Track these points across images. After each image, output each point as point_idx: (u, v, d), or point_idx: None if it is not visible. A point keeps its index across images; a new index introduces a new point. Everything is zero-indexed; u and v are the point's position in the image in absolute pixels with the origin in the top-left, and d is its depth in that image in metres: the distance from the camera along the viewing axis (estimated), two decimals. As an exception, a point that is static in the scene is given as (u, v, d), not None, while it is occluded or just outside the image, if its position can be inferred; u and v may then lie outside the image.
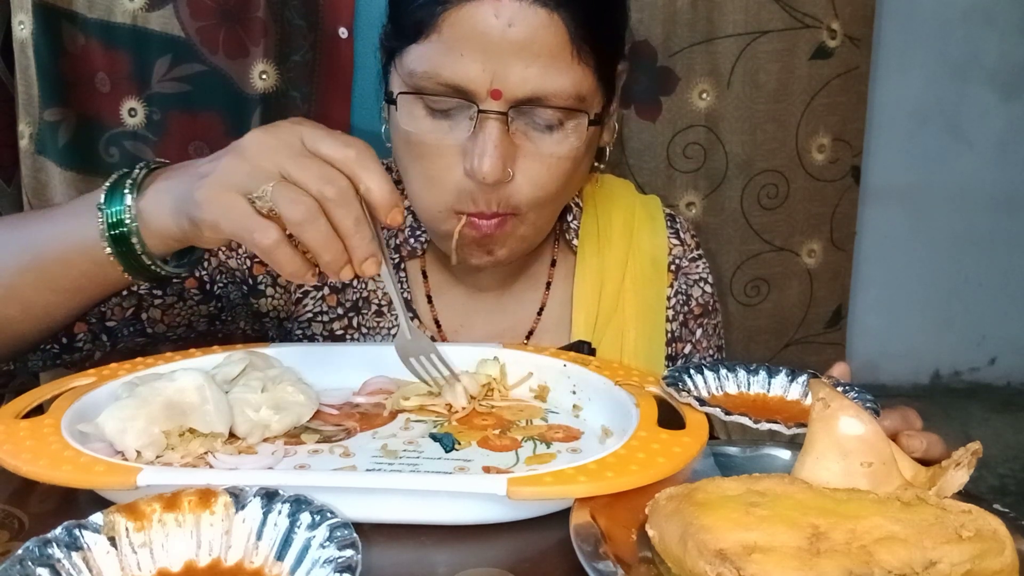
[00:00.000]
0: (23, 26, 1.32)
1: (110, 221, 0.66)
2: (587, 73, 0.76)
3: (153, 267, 0.69)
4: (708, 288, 1.00)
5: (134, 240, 0.67)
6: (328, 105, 1.43)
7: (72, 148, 1.37)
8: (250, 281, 0.89)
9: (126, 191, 0.67)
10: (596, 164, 0.89)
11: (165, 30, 1.34)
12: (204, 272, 0.87)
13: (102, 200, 0.67)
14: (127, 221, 0.66)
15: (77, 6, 1.33)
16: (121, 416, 0.61)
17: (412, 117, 0.77)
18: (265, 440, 0.66)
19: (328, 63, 1.42)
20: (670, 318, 0.96)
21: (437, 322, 0.93)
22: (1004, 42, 2.44)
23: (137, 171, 0.68)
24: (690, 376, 0.71)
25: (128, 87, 1.36)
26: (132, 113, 1.38)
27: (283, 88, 1.40)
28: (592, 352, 0.88)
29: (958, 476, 0.52)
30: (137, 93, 1.37)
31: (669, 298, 0.97)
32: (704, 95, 1.64)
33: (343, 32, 1.40)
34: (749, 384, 0.72)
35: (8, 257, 0.71)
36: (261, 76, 1.38)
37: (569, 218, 0.95)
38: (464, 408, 0.72)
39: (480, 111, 0.73)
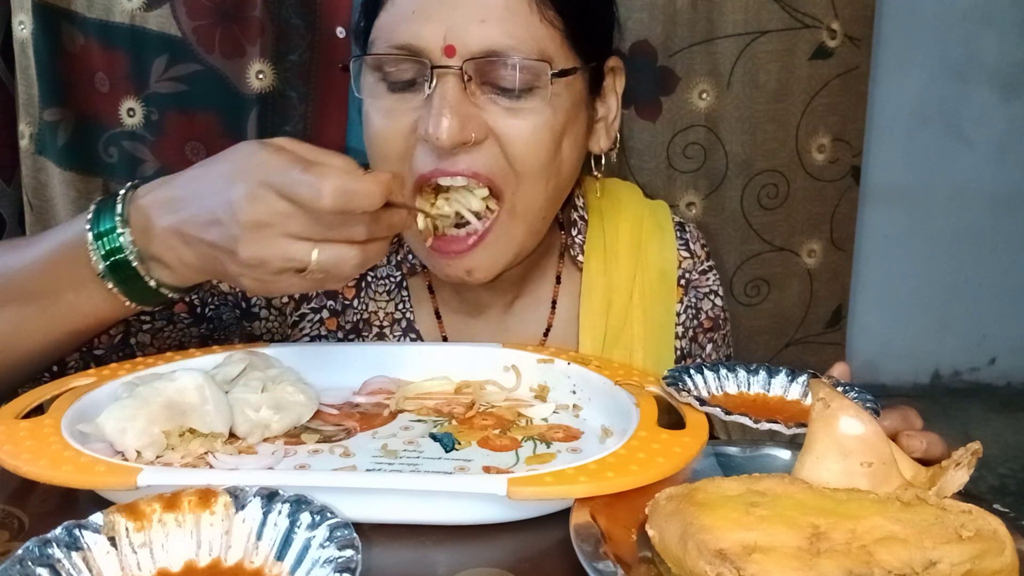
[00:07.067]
0: (23, 26, 1.32)
1: (104, 251, 0.63)
2: (554, 34, 0.74)
3: (162, 291, 0.66)
4: (718, 300, 0.97)
5: (140, 271, 0.64)
6: (325, 104, 1.43)
7: (71, 148, 1.37)
8: (243, 304, 0.86)
9: (118, 228, 0.63)
10: (594, 174, 0.86)
11: (162, 29, 1.34)
12: (195, 296, 0.84)
13: (91, 240, 0.64)
14: (129, 257, 0.63)
15: (76, 6, 1.33)
16: (121, 416, 0.61)
17: (372, 96, 0.76)
18: (265, 440, 0.66)
19: (325, 62, 1.42)
20: (679, 335, 0.93)
21: (445, 339, 0.90)
22: (1004, 42, 2.44)
23: (119, 204, 0.64)
24: (690, 376, 0.71)
25: (126, 87, 1.37)
26: (131, 113, 1.38)
27: (280, 88, 1.40)
28: None
29: (958, 476, 0.52)
30: (135, 93, 1.37)
31: (679, 314, 0.93)
32: (704, 95, 1.64)
33: (340, 32, 1.40)
34: (749, 384, 0.72)
35: None
36: (258, 76, 1.38)
37: (574, 232, 0.91)
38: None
39: (434, 67, 0.71)
